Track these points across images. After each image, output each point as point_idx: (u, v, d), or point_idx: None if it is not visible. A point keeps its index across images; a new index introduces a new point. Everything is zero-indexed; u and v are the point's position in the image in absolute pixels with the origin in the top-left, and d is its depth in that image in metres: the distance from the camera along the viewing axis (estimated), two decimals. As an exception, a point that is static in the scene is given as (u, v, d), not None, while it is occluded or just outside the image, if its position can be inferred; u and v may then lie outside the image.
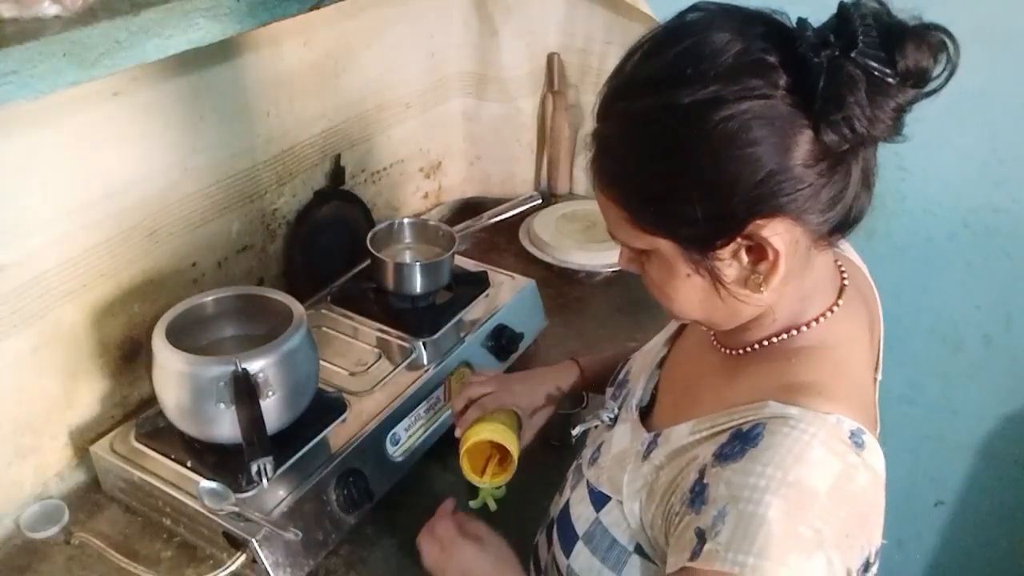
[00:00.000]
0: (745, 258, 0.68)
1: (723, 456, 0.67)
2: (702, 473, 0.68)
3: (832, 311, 0.74)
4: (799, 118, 0.62)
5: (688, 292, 0.71)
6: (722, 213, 0.65)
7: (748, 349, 0.76)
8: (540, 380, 1.08)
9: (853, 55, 0.59)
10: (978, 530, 1.84)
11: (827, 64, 0.60)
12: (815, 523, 0.62)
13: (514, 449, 0.98)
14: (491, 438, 0.98)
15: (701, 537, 0.65)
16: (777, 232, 0.65)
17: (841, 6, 0.62)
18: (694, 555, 0.65)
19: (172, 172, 1.16)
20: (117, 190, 1.09)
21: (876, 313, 0.84)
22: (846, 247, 0.86)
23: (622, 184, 0.70)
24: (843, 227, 0.69)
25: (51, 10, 0.73)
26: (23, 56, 0.69)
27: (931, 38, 0.61)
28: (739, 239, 0.66)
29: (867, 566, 0.68)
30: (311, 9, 0.97)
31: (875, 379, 0.82)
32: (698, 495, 0.67)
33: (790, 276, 0.69)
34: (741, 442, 0.67)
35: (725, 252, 0.67)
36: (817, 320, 0.73)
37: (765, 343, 0.74)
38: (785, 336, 0.74)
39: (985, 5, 1.38)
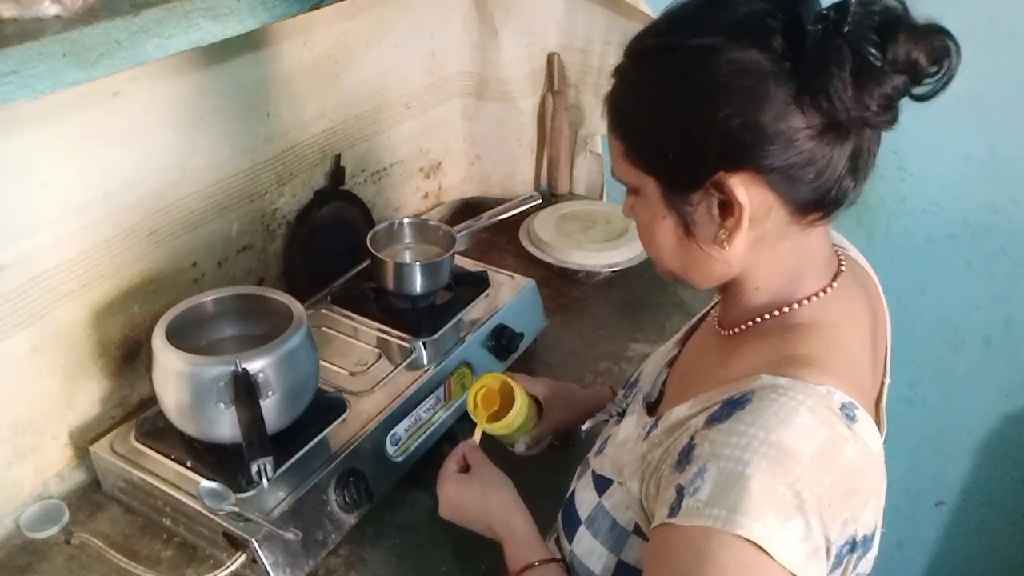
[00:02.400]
0: (715, 212, 0.70)
1: (711, 420, 0.68)
2: (692, 437, 0.69)
3: (826, 291, 0.75)
4: (785, 82, 0.64)
5: (664, 236, 0.75)
6: (695, 154, 0.68)
7: (744, 327, 0.77)
8: (570, 387, 1.15)
9: (845, 30, 0.62)
10: (978, 530, 1.84)
11: (819, 35, 0.63)
12: (795, 485, 0.62)
13: (520, 399, 1.02)
14: (502, 379, 1.04)
15: (680, 493, 0.66)
16: (745, 186, 0.68)
17: None
18: (672, 511, 0.66)
19: (172, 172, 1.16)
20: (117, 190, 1.09)
21: (881, 315, 0.85)
22: (854, 252, 0.87)
23: (622, 116, 0.74)
24: (822, 205, 0.70)
25: (51, 10, 0.73)
26: (23, 56, 0.69)
27: (932, 39, 0.63)
28: (710, 188, 0.69)
29: (854, 546, 0.67)
30: (311, 9, 0.97)
31: (883, 382, 0.83)
32: (685, 456, 0.68)
33: (763, 242, 0.72)
34: (730, 407, 0.68)
35: (696, 198, 0.70)
36: (809, 299, 0.75)
37: (759, 320, 0.76)
38: (778, 313, 0.75)
39: (984, 5, 1.38)
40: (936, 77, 0.64)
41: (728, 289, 0.78)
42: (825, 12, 0.64)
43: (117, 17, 0.75)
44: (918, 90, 0.65)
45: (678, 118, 0.68)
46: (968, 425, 1.74)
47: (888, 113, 0.65)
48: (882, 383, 0.84)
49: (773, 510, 0.62)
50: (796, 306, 0.75)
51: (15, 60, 0.68)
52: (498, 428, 1.03)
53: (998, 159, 1.51)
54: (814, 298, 0.75)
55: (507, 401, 1.04)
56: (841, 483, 0.65)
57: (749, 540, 0.61)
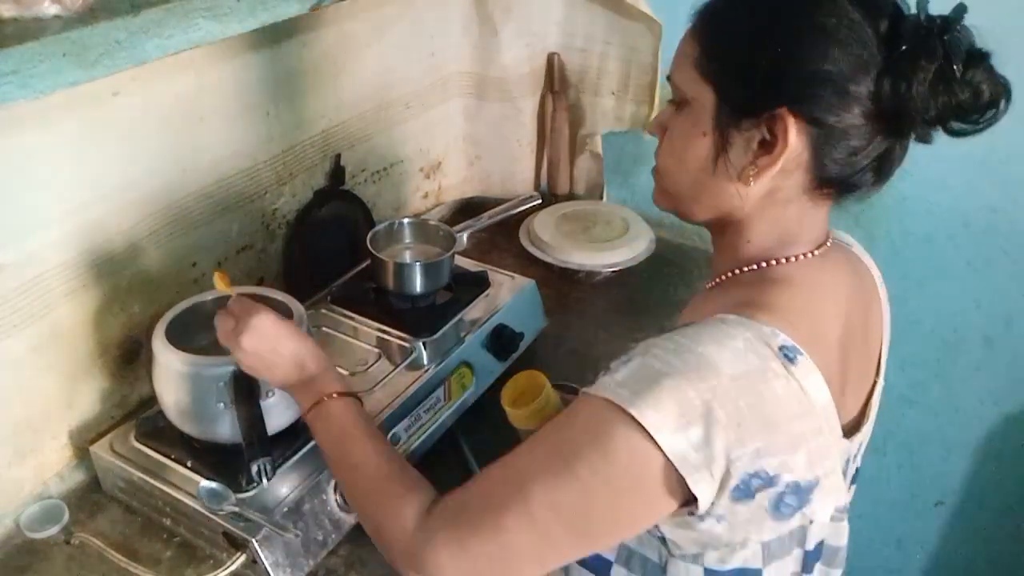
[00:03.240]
0: (754, 147, 0.73)
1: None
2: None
3: (806, 256, 0.78)
4: (875, 58, 0.69)
5: (693, 153, 0.77)
6: (774, 82, 0.71)
7: (724, 277, 0.81)
8: None
9: (944, 38, 0.68)
10: (978, 530, 1.84)
11: (922, 31, 0.69)
12: (705, 395, 0.66)
13: (548, 391, 1.02)
14: (534, 378, 1.03)
15: (603, 374, 0.71)
16: (796, 133, 0.71)
17: (957, 7, 0.71)
18: (590, 385, 0.71)
19: (172, 172, 1.16)
20: (117, 190, 1.09)
21: (877, 312, 0.86)
22: (858, 249, 0.89)
23: (715, 22, 0.76)
24: (838, 185, 0.74)
25: (51, 10, 0.73)
26: (23, 56, 0.69)
27: (999, 84, 0.70)
28: (766, 120, 0.71)
29: (769, 482, 0.68)
30: (311, 9, 0.98)
31: (875, 382, 0.84)
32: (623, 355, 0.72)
33: (775, 198, 0.75)
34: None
35: (747, 124, 0.73)
36: (788, 259, 0.78)
37: (738, 271, 0.79)
38: (756, 267, 0.78)
39: (985, 5, 1.38)
40: (980, 117, 0.70)
41: (723, 236, 0.81)
42: (932, 17, 0.70)
43: (117, 17, 0.75)
44: (958, 124, 0.70)
45: (778, 45, 0.70)
46: (968, 425, 1.74)
47: (935, 125, 0.71)
48: (874, 383, 0.84)
49: (676, 410, 0.65)
50: (775, 263, 0.78)
51: (15, 60, 0.68)
52: (525, 416, 1.02)
53: (998, 159, 1.50)
54: (793, 259, 0.78)
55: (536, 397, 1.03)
56: (759, 412, 0.67)
57: (642, 425, 0.65)
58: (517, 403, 1.04)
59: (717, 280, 0.82)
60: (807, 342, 0.71)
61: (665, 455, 0.65)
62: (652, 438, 0.65)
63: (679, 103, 0.78)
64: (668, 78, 0.79)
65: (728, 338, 0.68)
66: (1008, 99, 0.70)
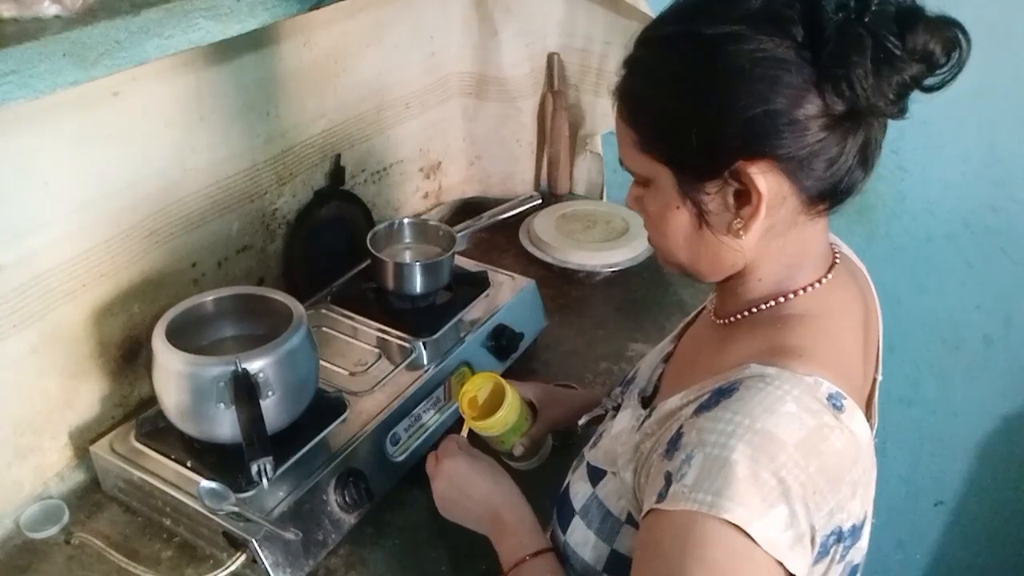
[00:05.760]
0: (731, 201, 0.71)
1: (700, 408, 0.69)
2: (681, 426, 0.70)
3: (820, 282, 0.76)
4: (806, 70, 0.65)
5: (676, 227, 0.74)
6: (715, 142, 0.68)
7: (739, 316, 0.78)
8: (563, 389, 1.17)
9: (865, 19, 0.63)
10: (978, 530, 1.84)
11: (839, 23, 0.64)
12: (780, 472, 0.63)
13: (511, 395, 1.02)
14: (494, 379, 1.03)
15: (668, 480, 0.67)
16: (764, 174, 0.68)
17: None
18: (660, 497, 0.67)
19: (172, 172, 1.16)
20: (117, 190, 1.09)
21: (873, 310, 0.85)
22: (846, 248, 0.87)
23: (636, 103, 0.74)
24: (832, 195, 0.71)
25: (51, 10, 0.74)
26: (23, 56, 0.69)
27: (946, 31, 0.64)
28: (727, 175, 0.69)
29: (840, 536, 0.68)
30: (311, 9, 0.98)
31: (875, 379, 0.83)
32: (673, 443, 0.69)
33: (773, 232, 0.72)
34: (718, 396, 0.69)
35: (712, 187, 0.70)
36: (805, 289, 0.75)
37: (754, 310, 0.77)
38: (773, 303, 0.76)
39: (984, 5, 1.38)
40: (947, 68, 0.65)
41: (730, 279, 0.78)
42: (845, 1, 0.65)
43: (117, 17, 0.75)
44: (928, 81, 0.66)
45: (699, 106, 0.68)
46: (968, 425, 1.74)
47: (901, 102, 0.66)
48: (874, 379, 0.84)
49: (757, 496, 0.63)
50: (791, 296, 0.76)
51: (15, 60, 0.68)
52: (490, 425, 1.02)
53: (998, 159, 1.51)
54: (809, 288, 0.76)
55: (498, 402, 1.03)
56: (827, 472, 0.65)
57: (733, 524, 0.62)
58: (480, 415, 1.04)
59: (732, 319, 0.79)
60: (841, 378, 0.69)
61: (761, 546, 0.63)
62: (745, 532, 0.62)
63: (643, 183, 0.76)
64: (620, 162, 0.77)
65: (778, 402, 0.66)
66: (966, 36, 0.64)
